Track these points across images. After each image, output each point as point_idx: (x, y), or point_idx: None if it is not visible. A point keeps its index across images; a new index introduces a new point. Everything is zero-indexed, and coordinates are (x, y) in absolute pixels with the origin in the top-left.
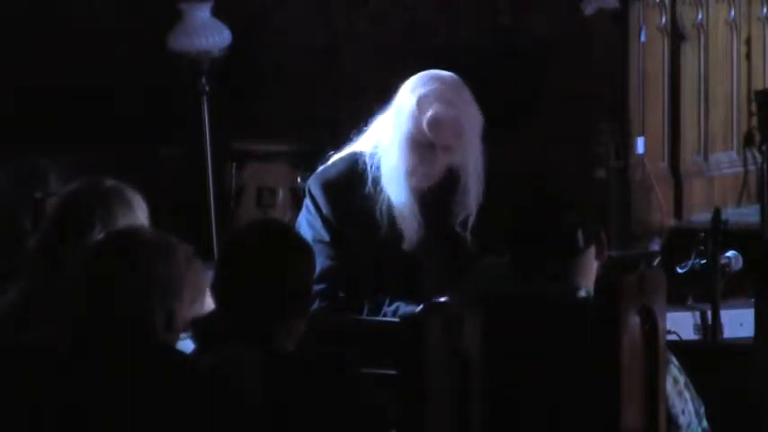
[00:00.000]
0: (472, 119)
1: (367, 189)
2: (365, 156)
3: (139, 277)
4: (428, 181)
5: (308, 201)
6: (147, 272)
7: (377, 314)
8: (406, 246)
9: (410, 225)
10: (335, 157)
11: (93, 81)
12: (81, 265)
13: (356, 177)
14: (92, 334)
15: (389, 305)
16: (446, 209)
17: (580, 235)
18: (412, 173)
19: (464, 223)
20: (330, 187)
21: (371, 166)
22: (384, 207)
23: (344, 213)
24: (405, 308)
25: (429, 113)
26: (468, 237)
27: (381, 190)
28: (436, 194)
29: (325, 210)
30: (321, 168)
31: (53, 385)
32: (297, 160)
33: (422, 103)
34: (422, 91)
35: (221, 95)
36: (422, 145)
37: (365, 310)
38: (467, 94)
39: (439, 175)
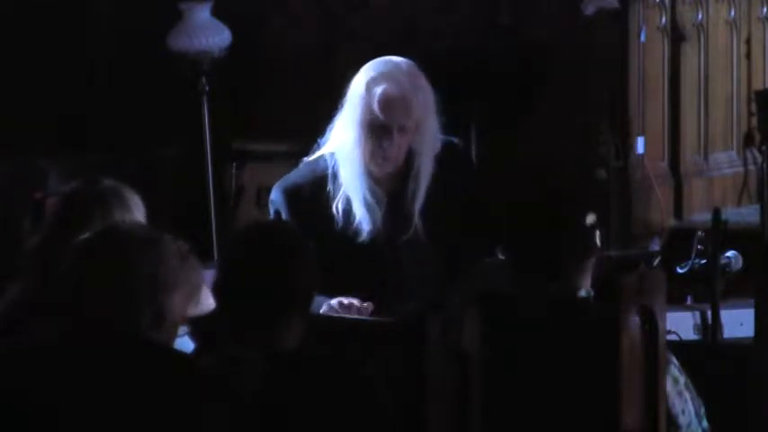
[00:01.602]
0: (424, 100)
1: (328, 189)
2: (328, 156)
3: (124, 274)
4: (389, 166)
5: (270, 209)
6: (131, 269)
7: None
8: (363, 238)
9: (367, 214)
10: (303, 161)
11: (93, 81)
12: (66, 263)
13: (319, 179)
14: (78, 333)
15: None
16: (405, 198)
17: (597, 235)
18: (370, 159)
19: (418, 206)
20: (290, 194)
21: (333, 165)
22: (341, 202)
23: (304, 219)
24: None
25: (377, 92)
26: (420, 222)
27: (340, 185)
28: (392, 181)
29: (285, 216)
30: (286, 176)
31: (43, 386)
32: (297, 160)
33: (370, 85)
34: (371, 74)
35: (221, 95)
36: (376, 128)
37: None
38: (419, 79)
39: (399, 160)
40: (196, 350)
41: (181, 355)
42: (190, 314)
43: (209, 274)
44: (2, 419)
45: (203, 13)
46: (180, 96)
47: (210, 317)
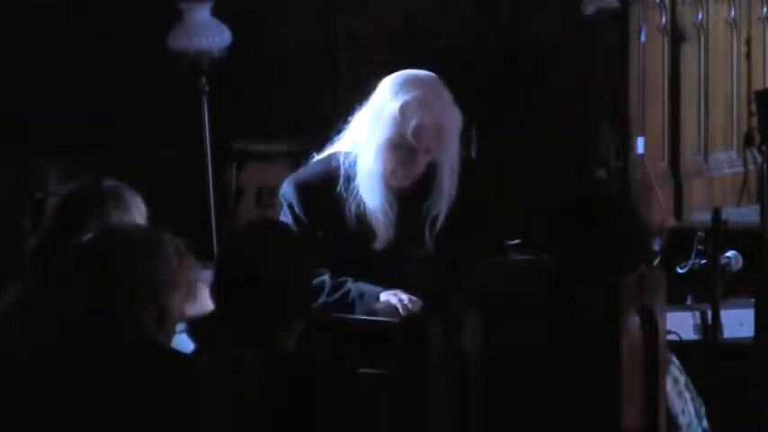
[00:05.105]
0: (452, 120)
1: (339, 189)
2: (341, 156)
3: (125, 276)
4: (408, 180)
5: (282, 203)
6: (131, 270)
7: (338, 290)
8: (377, 244)
9: (381, 223)
10: (315, 158)
11: (94, 81)
12: (67, 264)
13: (330, 178)
14: (78, 334)
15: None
16: (419, 207)
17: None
18: (391, 174)
19: (433, 221)
20: (302, 189)
21: (347, 165)
22: (354, 206)
23: (316, 214)
24: (365, 289)
25: (413, 122)
26: (433, 236)
27: (354, 189)
28: (411, 192)
29: (297, 210)
30: (297, 171)
31: (44, 387)
32: (297, 160)
33: (405, 111)
34: (404, 98)
35: (221, 95)
36: (403, 148)
37: (327, 289)
38: (446, 96)
39: (418, 175)
40: (196, 350)
41: (181, 355)
42: (187, 312)
43: (208, 274)
44: (4, 420)
45: (203, 13)
46: (180, 96)
47: (210, 317)
